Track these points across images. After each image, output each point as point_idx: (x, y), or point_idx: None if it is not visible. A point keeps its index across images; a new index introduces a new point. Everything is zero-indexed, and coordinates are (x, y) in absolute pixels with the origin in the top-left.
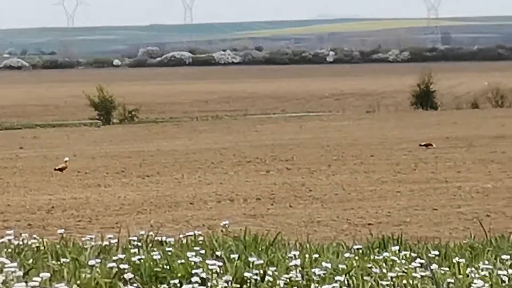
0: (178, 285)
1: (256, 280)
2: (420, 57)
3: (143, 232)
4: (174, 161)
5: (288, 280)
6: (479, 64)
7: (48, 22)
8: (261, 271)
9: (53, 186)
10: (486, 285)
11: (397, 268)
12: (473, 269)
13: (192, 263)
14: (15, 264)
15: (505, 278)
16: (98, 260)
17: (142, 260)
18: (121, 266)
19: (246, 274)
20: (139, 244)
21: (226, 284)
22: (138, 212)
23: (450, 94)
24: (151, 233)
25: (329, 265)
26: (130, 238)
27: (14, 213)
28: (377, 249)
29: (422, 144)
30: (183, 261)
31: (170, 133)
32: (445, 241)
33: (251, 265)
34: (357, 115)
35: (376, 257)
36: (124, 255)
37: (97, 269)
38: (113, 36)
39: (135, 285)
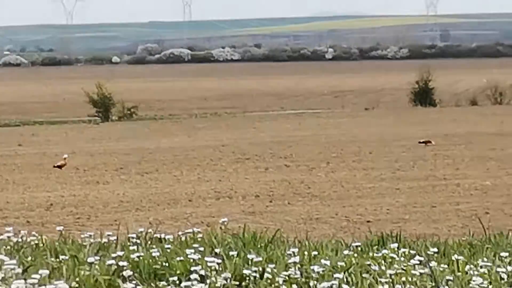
0: (177, 282)
1: (255, 277)
2: (419, 54)
3: (142, 229)
4: (173, 158)
5: (287, 277)
6: (478, 61)
7: (47, 19)
8: (260, 268)
9: (52, 183)
10: (485, 282)
11: (396, 266)
12: (472, 266)
13: (191, 260)
14: (14, 261)
15: (504, 276)
16: (97, 257)
17: (141, 258)
18: (120, 263)
19: (245, 271)
20: (138, 241)
21: (225, 281)
22: (137, 209)
23: (449, 91)
24: (150, 230)
25: (328, 263)
26: (129, 235)
27: (13, 210)
28: (376, 246)
29: (421, 141)
30: (182, 258)
31: (169, 130)
32: (443, 239)
33: (250, 262)
34: (356, 112)
35: (375, 255)
36: (123, 253)
37: (96, 266)
38: (112, 33)
39: (134, 282)
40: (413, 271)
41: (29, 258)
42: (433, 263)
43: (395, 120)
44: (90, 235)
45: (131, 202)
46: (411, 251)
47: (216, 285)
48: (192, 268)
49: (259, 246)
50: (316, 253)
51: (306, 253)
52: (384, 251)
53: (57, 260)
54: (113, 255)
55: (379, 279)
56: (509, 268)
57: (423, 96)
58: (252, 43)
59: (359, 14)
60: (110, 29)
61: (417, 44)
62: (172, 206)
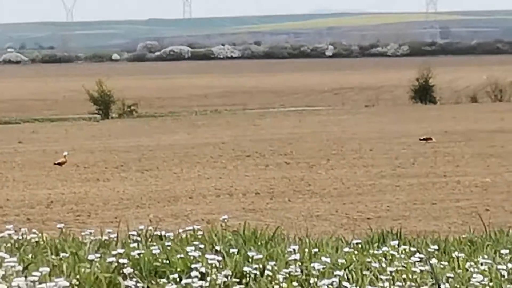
0: (178, 279)
1: (255, 274)
2: (419, 51)
3: (142, 227)
4: (173, 156)
5: (287, 274)
6: (478, 58)
7: (47, 16)
8: (261, 266)
9: (52, 180)
10: (486, 279)
11: (396, 263)
12: (472, 263)
13: (192, 257)
14: (14, 258)
15: (505, 273)
16: (98, 255)
17: (141, 255)
18: (121, 260)
19: (245, 268)
20: (139, 238)
21: (225, 279)
22: (137, 206)
23: (449, 88)
24: (150, 227)
25: (328, 260)
26: (130, 232)
27: (13, 208)
28: (377, 243)
29: (422, 138)
30: (182, 255)
31: (169, 128)
32: (444, 236)
33: (250, 260)
34: (356, 110)
35: (375, 252)
36: (123, 250)
37: (97, 264)
38: (112, 31)
39: (134, 279)
40: (413, 268)
41: (30, 256)
42: (433, 260)
43: (395, 117)
44: (91, 233)
45: (131, 199)
46: (412, 248)
47: (217, 282)
48: (193, 266)
49: (259, 243)
50: (316, 250)
51: (306, 250)
52: (385, 248)
53: (58, 257)
54: (114, 252)
55: (379, 276)
56: (509, 265)
57: (423, 93)
58: (252, 40)
59: (359, 11)
60: (110, 26)
61: (417, 41)
62: (172, 203)
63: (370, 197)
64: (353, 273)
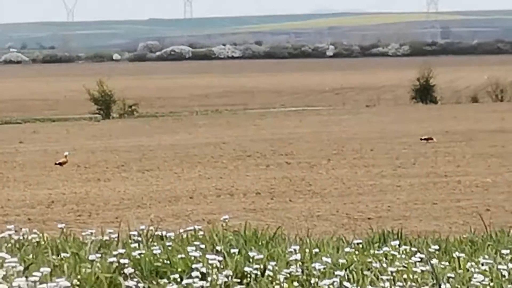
0: (179, 279)
1: (256, 274)
2: (420, 51)
3: (143, 227)
4: (174, 156)
5: (288, 274)
6: (478, 58)
7: (48, 17)
8: (261, 266)
9: (53, 180)
10: (486, 279)
11: (397, 263)
12: (473, 263)
13: (192, 257)
14: (15, 259)
15: (505, 273)
16: (99, 255)
17: (142, 255)
18: (122, 261)
19: (246, 268)
20: (139, 238)
21: (226, 279)
22: (138, 206)
23: (450, 88)
24: (151, 227)
25: (329, 260)
26: (130, 232)
27: (14, 208)
28: (377, 243)
29: (423, 138)
30: (183, 255)
31: (170, 128)
32: (444, 236)
33: (251, 260)
34: (356, 109)
35: (376, 252)
36: (124, 250)
37: (98, 264)
38: (113, 31)
39: (135, 280)
40: (414, 269)
41: (31, 256)
42: (434, 261)
43: (396, 117)
44: (91, 233)
45: (132, 199)
46: (412, 249)
47: (217, 282)
48: (193, 266)
49: (260, 243)
50: (317, 250)
51: (307, 250)
52: (385, 248)
53: (59, 257)
54: (114, 252)
55: (380, 277)
56: (510, 265)
57: (424, 93)
58: (253, 40)
59: (360, 11)
60: (111, 26)
61: (418, 41)
62: (173, 203)
63: (371, 197)
64: (354, 273)
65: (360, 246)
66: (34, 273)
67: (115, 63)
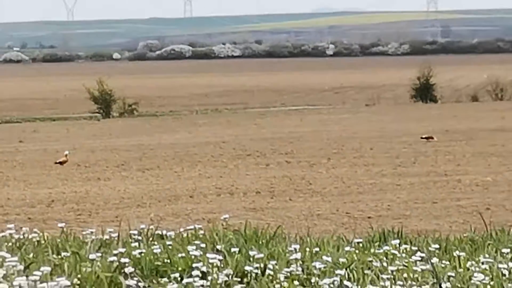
0: (179, 278)
1: (256, 274)
2: (420, 50)
3: (143, 226)
4: (174, 155)
5: (288, 273)
6: (478, 57)
7: (48, 16)
8: (262, 265)
9: (53, 179)
10: (487, 278)
11: (397, 262)
12: (473, 262)
13: (193, 257)
14: (15, 258)
15: (506, 272)
16: (99, 254)
17: (142, 254)
18: (122, 260)
19: (246, 267)
20: (140, 238)
21: (226, 278)
22: (138, 205)
23: (450, 87)
24: (151, 227)
25: (329, 259)
26: (131, 232)
27: (14, 207)
28: (378, 242)
29: (423, 137)
30: (183, 255)
31: (170, 127)
32: (445, 235)
33: (251, 259)
34: (356, 108)
35: (376, 251)
36: (124, 249)
37: (98, 263)
38: (113, 30)
39: (135, 279)
40: (414, 268)
41: (31, 255)
42: (434, 260)
43: (396, 116)
44: (92, 232)
45: (132, 198)
46: (413, 248)
47: (218, 281)
48: (194, 265)
49: (260, 242)
50: (317, 249)
51: (307, 249)
52: (386, 247)
53: (59, 256)
54: (115, 251)
55: (380, 276)
56: (510, 264)
57: (424, 92)
58: (253, 39)
59: (360, 10)
60: (111, 25)
61: (418, 40)
62: (173, 203)
63: (371, 196)
64: (354, 272)
65: (361, 245)
66: (35, 272)
67: (115, 62)
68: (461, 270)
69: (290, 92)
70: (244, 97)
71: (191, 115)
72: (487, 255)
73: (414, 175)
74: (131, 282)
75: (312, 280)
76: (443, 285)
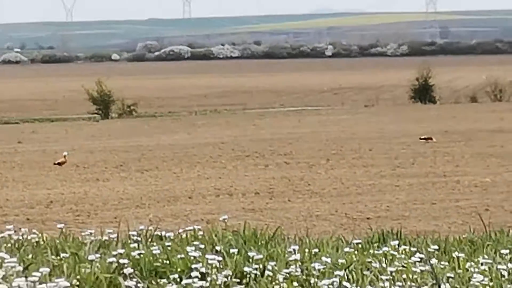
0: (178, 279)
1: (255, 274)
2: (419, 51)
3: (142, 227)
4: (173, 156)
5: (287, 274)
6: (477, 58)
7: (47, 17)
8: (261, 266)
9: (51, 180)
10: (486, 279)
11: (396, 263)
12: (472, 263)
13: (192, 257)
14: (14, 259)
15: (505, 273)
16: (98, 255)
17: (141, 255)
18: (121, 261)
19: (245, 268)
20: (139, 239)
21: (225, 279)
22: (137, 206)
23: (449, 88)
24: (150, 227)
25: (328, 260)
26: (130, 232)
27: (12, 208)
28: (377, 243)
29: (422, 137)
30: (182, 256)
31: (169, 128)
32: (444, 235)
33: (250, 260)
34: (355, 109)
35: (375, 252)
36: (123, 250)
37: (97, 264)
38: (112, 30)
39: (135, 280)
40: (413, 268)
41: (30, 256)
42: (433, 260)
43: (394, 117)
44: (91, 233)
45: (131, 199)
46: (412, 248)
47: (217, 282)
48: (193, 266)
49: (259, 243)
50: (316, 250)
51: (306, 250)
52: (385, 248)
53: (58, 257)
54: (114, 252)
55: (380, 276)
56: (510, 265)
57: (423, 93)
58: (252, 40)
59: (359, 11)
60: (109, 26)
61: (417, 41)
62: (172, 203)
63: (370, 197)
64: (353, 273)
65: (360, 246)
66: (34, 273)
67: (114, 63)
68: (460, 271)
69: (289, 93)
70: (243, 98)
71: (190, 116)
72: (486, 256)
73: (413, 176)
74: (130, 283)
75: (311, 281)
76: (442, 286)
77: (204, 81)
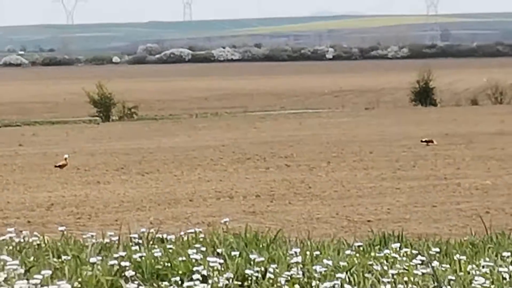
0: (179, 282)
1: (257, 277)
2: (419, 53)
3: (144, 230)
4: (174, 158)
5: (289, 277)
6: (478, 60)
7: (48, 19)
8: (262, 269)
9: (52, 183)
10: (487, 282)
11: (398, 265)
12: (474, 266)
13: (193, 260)
14: (16, 261)
15: (506, 275)
16: (99, 258)
17: (143, 258)
18: (122, 263)
19: (247, 271)
20: (140, 241)
21: (227, 282)
22: (138, 209)
23: (449, 91)
24: (152, 230)
25: (330, 263)
26: (131, 235)
27: (13, 210)
28: (378, 246)
29: (424, 140)
30: (184, 258)
31: (170, 130)
32: (444, 238)
33: (252, 263)
34: (356, 112)
35: (377, 254)
36: (125, 253)
37: (98, 267)
38: (112, 33)
39: (136, 282)
40: (415, 271)
41: (31, 259)
42: (435, 263)
43: (395, 120)
44: (92, 235)
45: (131, 202)
46: (413, 251)
47: (219, 285)
48: (194, 268)
49: (261, 246)
50: (318, 253)
51: (308, 253)
52: (386, 251)
53: (59, 260)
54: (115, 255)
55: (381, 279)
56: (511, 268)
57: (424, 95)
58: (253, 43)
59: (360, 14)
60: (110, 29)
61: (418, 43)
62: (172, 206)
63: (371, 200)
64: (354, 275)
65: (361, 248)
66: (35, 276)
67: (114, 65)
68: (462, 273)
69: (290, 95)
70: (244, 100)
71: (190, 118)
72: (487, 259)
73: (413, 179)
74: (132, 285)
75: (313, 284)
76: None
77: (205, 83)
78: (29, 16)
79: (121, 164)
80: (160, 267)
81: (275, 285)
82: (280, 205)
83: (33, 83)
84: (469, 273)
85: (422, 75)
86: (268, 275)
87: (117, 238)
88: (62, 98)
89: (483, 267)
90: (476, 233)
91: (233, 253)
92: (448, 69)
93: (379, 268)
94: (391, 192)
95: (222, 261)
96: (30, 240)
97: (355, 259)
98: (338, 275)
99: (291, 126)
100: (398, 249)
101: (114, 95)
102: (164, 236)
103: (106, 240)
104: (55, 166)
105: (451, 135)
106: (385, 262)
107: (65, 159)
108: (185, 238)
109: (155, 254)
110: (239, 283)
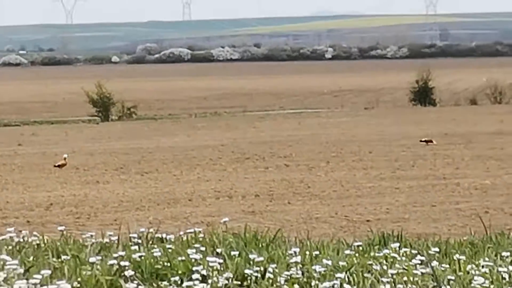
0: (179, 282)
1: (256, 277)
2: (419, 53)
3: (143, 229)
4: (173, 158)
5: (288, 277)
6: (477, 60)
7: (47, 19)
8: (262, 268)
9: (51, 183)
10: (487, 282)
11: (397, 265)
12: (473, 266)
13: (193, 260)
14: (15, 261)
15: (506, 275)
16: (99, 257)
17: (142, 257)
18: (122, 263)
19: (246, 271)
20: (140, 241)
21: (226, 281)
22: (137, 208)
23: (449, 91)
24: (151, 230)
25: (329, 262)
26: (130, 235)
27: (13, 210)
28: (377, 246)
29: (423, 140)
30: (183, 258)
31: (169, 130)
32: (444, 238)
33: (251, 262)
34: (355, 112)
35: (376, 254)
36: (124, 252)
37: (98, 266)
38: (112, 33)
39: (135, 282)
40: (414, 271)
41: (31, 258)
42: (434, 263)
43: (394, 120)
44: (92, 235)
45: (131, 201)
46: (413, 251)
47: (218, 285)
48: (194, 268)
49: (260, 245)
50: (317, 252)
51: (307, 252)
52: (386, 250)
53: (59, 260)
54: (115, 255)
55: (380, 279)
56: (510, 267)
57: (423, 95)
58: (252, 43)
59: (359, 14)
60: (109, 28)
61: (417, 43)
62: (172, 206)
63: (370, 199)
64: (354, 275)
65: (360, 248)
66: (35, 276)
67: (114, 65)
68: (461, 273)
69: (289, 95)
70: (243, 100)
71: (190, 118)
72: (487, 259)
73: (413, 179)
74: (131, 285)
75: (312, 284)
76: None
77: (204, 83)
78: (28, 16)
79: (120, 164)
80: (159, 266)
81: (274, 285)
82: (279, 204)
83: (33, 82)
84: (468, 273)
85: (421, 75)
86: (267, 275)
87: (116, 237)
88: (61, 98)
89: (482, 267)
90: (475, 232)
91: (232, 253)
92: (447, 69)
93: (378, 268)
94: (390, 191)
95: (221, 260)
96: (30, 239)
97: (354, 259)
98: (337, 275)
99: (290, 126)
100: (397, 249)
101: (113, 95)
102: (164, 235)
103: (106, 239)
104: (55, 166)
105: (450, 135)
106: (384, 262)
107: (64, 158)
108: (185, 238)
109: (155, 254)
110: (239, 282)
